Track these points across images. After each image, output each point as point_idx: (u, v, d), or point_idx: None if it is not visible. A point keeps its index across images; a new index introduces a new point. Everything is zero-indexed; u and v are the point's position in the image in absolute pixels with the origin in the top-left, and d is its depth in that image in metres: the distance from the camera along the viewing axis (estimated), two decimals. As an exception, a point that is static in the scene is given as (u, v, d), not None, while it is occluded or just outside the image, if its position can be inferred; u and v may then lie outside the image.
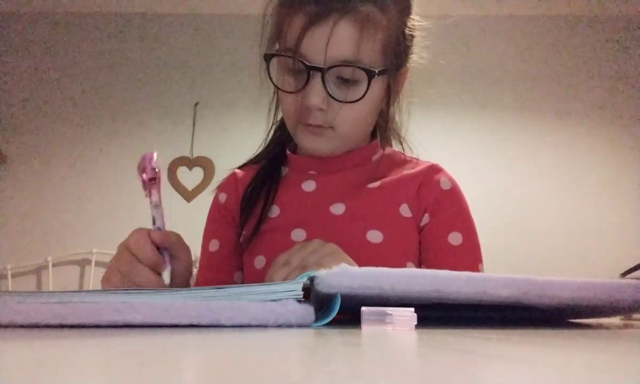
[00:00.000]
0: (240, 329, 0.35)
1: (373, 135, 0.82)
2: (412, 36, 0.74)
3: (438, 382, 0.16)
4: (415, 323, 0.36)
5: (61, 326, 0.35)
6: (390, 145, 0.84)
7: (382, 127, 0.82)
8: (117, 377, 0.16)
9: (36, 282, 2.55)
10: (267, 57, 0.69)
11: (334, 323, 0.39)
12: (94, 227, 2.59)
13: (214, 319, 0.36)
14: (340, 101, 0.67)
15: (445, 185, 0.77)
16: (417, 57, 0.76)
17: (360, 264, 0.44)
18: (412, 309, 0.37)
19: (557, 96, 2.75)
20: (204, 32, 2.84)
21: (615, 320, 0.70)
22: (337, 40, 0.64)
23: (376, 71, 0.66)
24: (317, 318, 0.39)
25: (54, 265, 2.50)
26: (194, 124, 2.72)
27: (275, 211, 0.77)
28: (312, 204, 0.76)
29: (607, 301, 0.41)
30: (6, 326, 0.35)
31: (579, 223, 2.60)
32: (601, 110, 2.73)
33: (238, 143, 2.65)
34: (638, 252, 2.43)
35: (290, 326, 0.37)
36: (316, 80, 0.66)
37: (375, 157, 0.79)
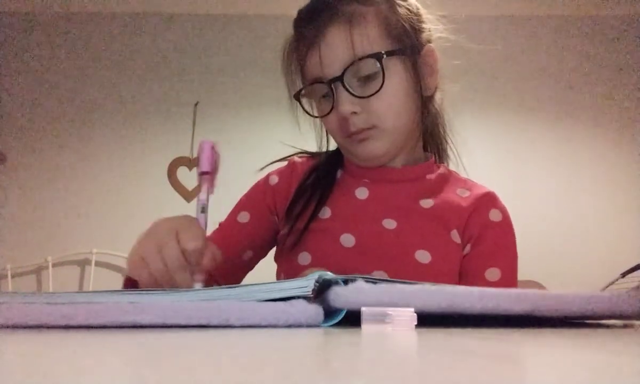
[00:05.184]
0: (247, 330, 0.35)
1: (428, 149, 0.85)
2: (411, 12, 0.75)
3: (438, 382, 0.16)
4: (416, 323, 0.36)
5: (68, 327, 0.35)
6: (446, 161, 0.86)
7: (435, 139, 0.86)
8: (123, 377, 0.16)
9: (36, 283, 2.55)
10: (296, 97, 0.75)
11: (334, 323, 0.39)
12: (94, 227, 2.58)
13: (224, 319, 0.36)
14: (365, 97, 0.70)
15: (494, 217, 0.77)
16: (437, 33, 0.79)
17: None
18: (412, 309, 0.37)
19: (556, 95, 2.75)
20: (204, 32, 2.84)
21: (615, 320, 0.70)
22: (334, 46, 0.70)
23: (383, 52, 0.69)
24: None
25: (54, 265, 2.49)
26: (194, 124, 2.72)
27: (326, 213, 0.77)
28: (365, 213, 0.75)
29: (613, 312, 0.41)
30: (13, 327, 0.35)
31: (579, 223, 2.60)
32: (601, 110, 2.73)
33: (238, 143, 2.66)
34: (638, 253, 2.43)
35: (300, 326, 0.37)
36: (340, 90, 0.70)
37: (430, 176, 0.80)
